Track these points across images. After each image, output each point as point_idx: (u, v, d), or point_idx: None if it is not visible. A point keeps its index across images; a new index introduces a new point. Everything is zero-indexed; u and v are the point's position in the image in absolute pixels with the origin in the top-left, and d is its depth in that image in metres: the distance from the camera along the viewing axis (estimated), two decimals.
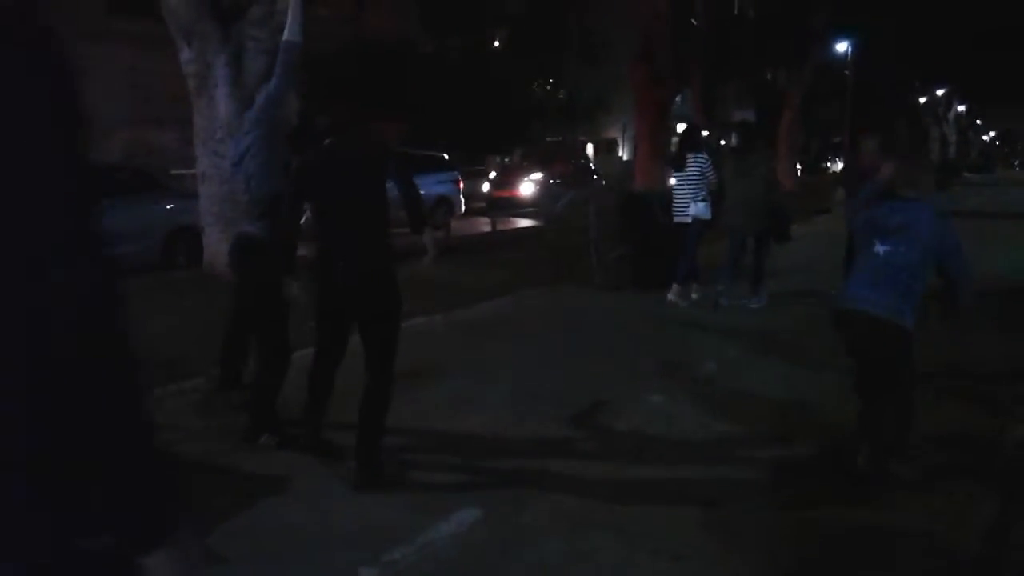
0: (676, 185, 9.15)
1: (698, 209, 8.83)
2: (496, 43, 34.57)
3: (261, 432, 4.58)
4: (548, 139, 34.39)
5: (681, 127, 13.45)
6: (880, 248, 4.17)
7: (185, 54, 9.79)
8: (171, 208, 11.80)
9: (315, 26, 21.07)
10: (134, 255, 10.88)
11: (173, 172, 14.26)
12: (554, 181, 23.61)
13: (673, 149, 12.01)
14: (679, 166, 9.10)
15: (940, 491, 4.12)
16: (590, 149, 38.49)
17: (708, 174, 8.83)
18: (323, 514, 3.86)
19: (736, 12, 36.60)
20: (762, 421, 5.14)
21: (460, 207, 18.23)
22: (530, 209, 21.53)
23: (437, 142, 21.06)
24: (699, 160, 8.85)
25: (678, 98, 20.63)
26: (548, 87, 36.02)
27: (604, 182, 22.79)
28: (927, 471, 4.35)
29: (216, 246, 9.94)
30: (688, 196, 8.91)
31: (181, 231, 11.33)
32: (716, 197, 8.89)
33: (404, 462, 4.46)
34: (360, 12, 26.43)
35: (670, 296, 9.07)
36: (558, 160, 27.00)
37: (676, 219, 9.07)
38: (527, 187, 24.53)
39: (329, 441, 4.49)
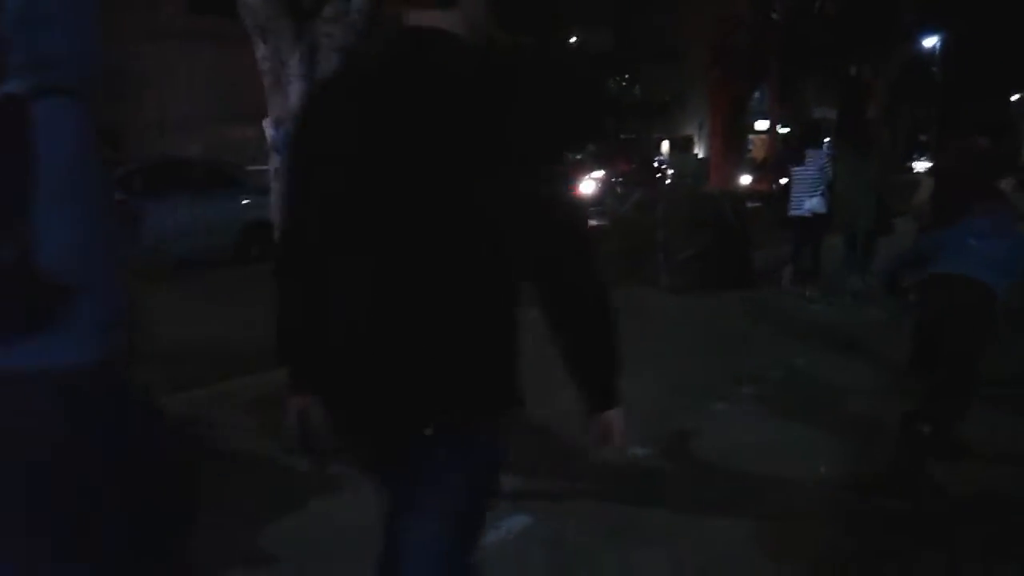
0: (795, 180, 9.35)
1: (814, 204, 9.08)
2: (572, 40, 34.40)
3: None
4: (622, 136, 34.10)
5: (760, 125, 13.36)
6: (973, 241, 4.32)
7: (260, 51, 9.89)
8: (246, 203, 12.04)
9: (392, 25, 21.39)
10: (210, 249, 11.16)
11: (249, 168, 14.55)
12: (616, 179, 23.26)
13: (781, 146, 12.45)
14: (798, 161, 9.30)
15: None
16: (665, 146, 38.02)
17: (827, 169, 9.09)
18: (375, 517, 3.82)
19: (817, 5, 35.64)
20: (838, 430, 4.93)
21: None
22: (593, 208, 21.29)
23: None
24: (818, 156, 9.13)
25: (756, 94, 20.20)
26: (623, 83, 35.70)
27: (677, 180, 22.42)
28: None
29: None
30: (805, 191, 9.13)
31: (256, 226, 11.54)
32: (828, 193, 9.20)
33: None
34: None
35: (784, 281, 9.35)
36: (620, 158, 26.61)
37: (791, 213, 9.27)
38: (588, 185, 24.13)
39: None
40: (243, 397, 5.31)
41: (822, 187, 9.07)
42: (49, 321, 1.56)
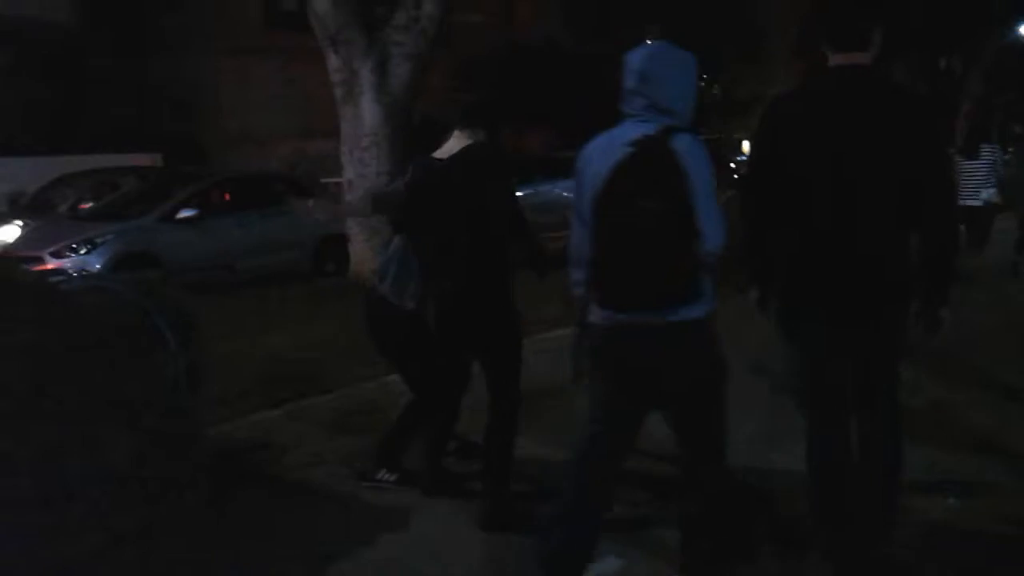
0: (967, 171, 9.80)
1: (990, 194, 9.88)
2: (648, 41, 33.72)
3: (380, 467, 4.18)
4: (701, 136, 33.26)
5: None
6: None
7: (332, 62, 9.87)
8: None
9: (465, 32, 21.25)
10: (289, 263, 11.10)
11: (322, 180, 14.54)
12: None
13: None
14: (973, 154, 9.94)
15: None
16: (746, 146, 37.05)
17: (999, 161, 10.11)
18: (442, 556, 3.53)
19: None
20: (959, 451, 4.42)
21: None
22: None
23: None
24: (991, 149, 10.02)
25: None
26: (702, 82, 34.91)
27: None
28: None
29: (361, 254, 9.96)
30: (980, 182, 9.81)
31: (330, 240, 11.42)
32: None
33: (544, 496, 4.09)
34: (510, 17, 26.40)
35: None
36: None
37: (963, 202, 9.28)
38: None
39: (453, 473, 4.18)
40: (316, 418, 5.08)
41: (993, 178, 9.89)
42: (704, 289, 2.75)
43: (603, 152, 2.78)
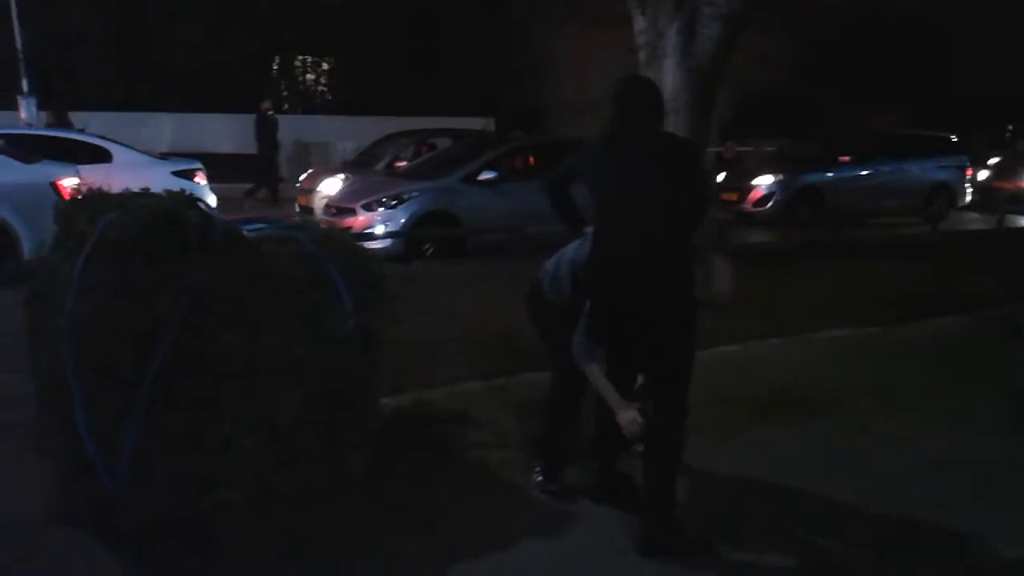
0: None
1: None
2: None
3: (540, 470, 3.78)
4: None
5: None
6: None
7: (638, 23, 9.37)
8: None
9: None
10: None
11: None
12: None
13: None
14: None
15: None
16: None
17: None
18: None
19: None
20: None
21: (963, 197, 15.48)
22: None
23: (951, 122, 18.09)
24: None
25: None
26: None
27: None
28: None
29: None
30: None
31: None
32: None
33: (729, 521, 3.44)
34: None
35: None
36: None
37: None
38: None
39: (628, 480, 3.63)
40: (522, 398, 4.77)
41: None
42: None
43: None
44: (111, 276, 3.24)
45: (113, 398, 3.21)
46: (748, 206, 14.33)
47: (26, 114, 15.66)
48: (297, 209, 12.92)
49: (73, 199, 3.70)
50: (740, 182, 14.71)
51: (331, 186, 12.11)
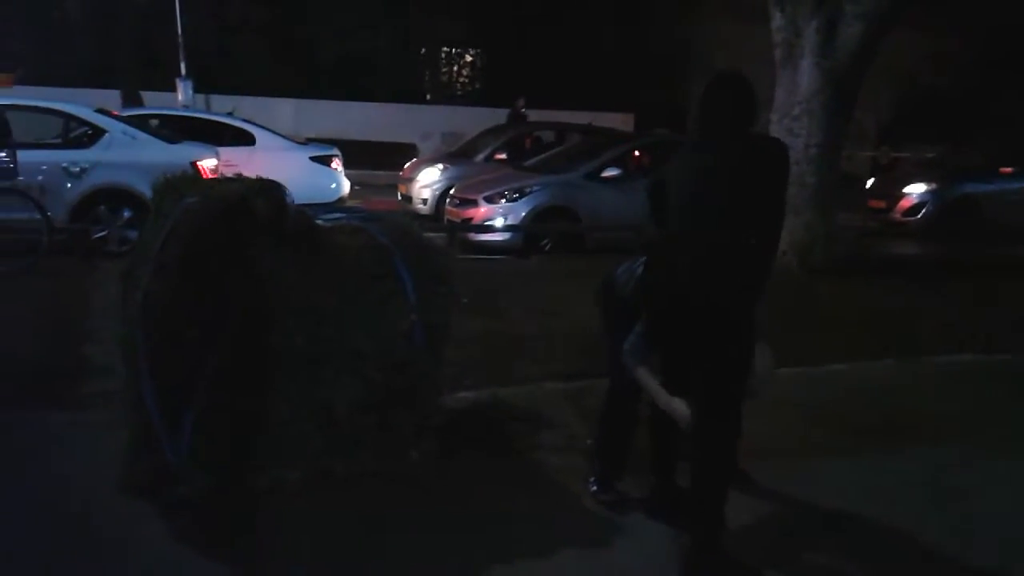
0: None
1: None
2: None
3: (594, 479, 3.65)
4: None
5: None
6: None
7: (776, 20, 9.01)
8: None
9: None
10: None
11: None
12: None
13: None
14: None
15: None
16: None
17: None
18: None
19: None
20: None
21: None
22: None
23: None
24: None
25: None
26: None
27: None
28: None
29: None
30: None
31: None
32: None
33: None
34: None
35: None
36: None
37: None
38: None
39: (685, 494, 3.45)
40: (594, 401, 4.63)
41: None
42: None
43: None
44: (184, 258, 3.37)
45: (178, 375, 3.34)
46: (897, 215, 13.47)
47: (183, 96, 16.66)
48: (399, 197, 13.21)
49: (166, 181, 3.86)
50: (890, 189, 13.88)
51: (429, 175, 12.37)
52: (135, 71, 18.33)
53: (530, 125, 14.76)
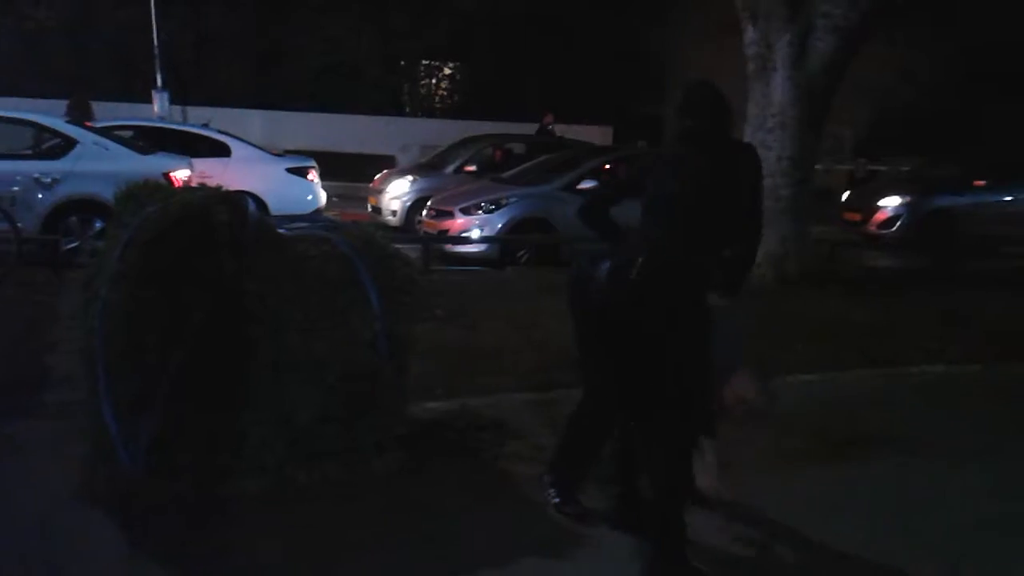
0: None
1: None
2: None
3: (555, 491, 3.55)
4: None
5: None
6: None
7: (749, 34, 9.07)
8: None
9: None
10: None
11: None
12: None
13: None
14: None
15: None
16: None
17: None
18: None
19: None
20: None
21: None
22: None
23: None
24: None
25: None
26: None
27: None
28: None
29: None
30: None
31: None
32: None
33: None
34: None
35: None
36: None
37: None
38: None
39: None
40: (562, 412, 4.61)
41: None
42: None
43: None
44: (142, 267, 3.33)
45: (136, 384, 3.30)
46: (872, 228, 13.59)
47: (159, 107, 16.58)
48: (368, 209, 13.24)
49: (127, 190, 3.83)
50: (866, 202, 14.01)
51: (399, 187, 12.49)
52: (110, 82, 18.23)
53: (498, 138, 14.82)
